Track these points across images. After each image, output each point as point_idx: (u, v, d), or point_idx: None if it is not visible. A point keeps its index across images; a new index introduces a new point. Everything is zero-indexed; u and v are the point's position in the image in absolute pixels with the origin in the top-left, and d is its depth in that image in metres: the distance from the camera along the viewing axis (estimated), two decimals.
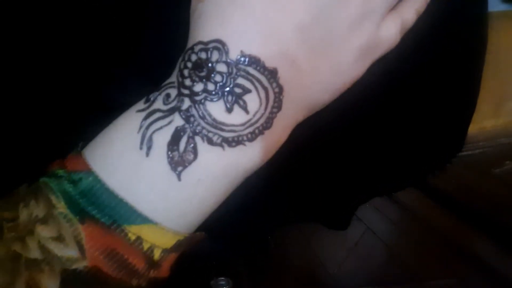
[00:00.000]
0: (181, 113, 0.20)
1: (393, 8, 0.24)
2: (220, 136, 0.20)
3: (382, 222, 0.76)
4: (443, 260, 0.69)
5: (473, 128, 0.41)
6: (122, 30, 0.28)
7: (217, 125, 0.20)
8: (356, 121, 0.34)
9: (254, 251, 0.63)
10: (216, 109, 0.20)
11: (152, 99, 0.22)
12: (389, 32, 0.24)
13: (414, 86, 0.34)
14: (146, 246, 0.21)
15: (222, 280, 0.59)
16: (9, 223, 0.21)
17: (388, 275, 0.70)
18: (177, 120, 0.21)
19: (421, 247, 0.72)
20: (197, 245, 0.24)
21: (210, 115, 0.20)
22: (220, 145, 0.21)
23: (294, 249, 0.73)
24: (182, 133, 0.20)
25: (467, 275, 0.66)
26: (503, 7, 0.58)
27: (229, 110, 0.20)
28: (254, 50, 0.20)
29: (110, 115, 0.23)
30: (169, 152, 0.20)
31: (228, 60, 0.20)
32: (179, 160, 0.20)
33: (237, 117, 0.21)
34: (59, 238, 0.20)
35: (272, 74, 0.21)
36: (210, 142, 0.20)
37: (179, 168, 0.21)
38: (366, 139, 0.36)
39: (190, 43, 0.22)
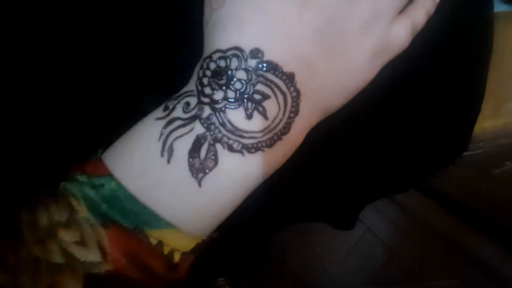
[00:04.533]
0: (202, 121, 0.21)
1: (403, 10, 0.24)
2: (240, 143, 0.21)
3: (382, 223, 0.76)
4: (443, 260, 0.70)
5: (474, 126, 0.41)
6: (138, 37, 0.28)
7: (237, 132, 0.21)
8: (362, 123, 0.34)
9: (254, 250, 0.63)
10: (236, 116, 0.21)
11: (171, 107, 0.22)
12: (400, 34, 0.24)
13: (420, 88, 0.34)
14: (166, 250, 0.22)
15: (222, 280, 0.59)
16: (29, 226, 0.21)
17: (388, 275, 0.70)
18: (198, 128, 0.21)
19: (421, 248, 0.73)
20: (211, 245, 0.25)
21: (230, 123, 0.20)
22: (240, 151, 0.21)
23: (294, 249, 0.73)
24: (203, 141, 0.21)
25: (467, 275, 0.66)
26: (503, 7, 0.58)
27: (249, 116, 0.21)
28: (272, 55, 0.21)
29: (128, 120, 0.23)
30: (190, 159, 0.21)
31: (247, 67, 0.21)
32: (200, 167, 0.21)
33: (256, 123, 0.21)
34: (82, 243, 0.21)
35: (290, 78, 0.21)
36: (231, 149, 0.21)
37: (200, 175, 0.21)
38: (373, 140, 0.36)
39: (207, 52, 0.22)
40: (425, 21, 0.25)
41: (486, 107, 0.61)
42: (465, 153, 0.42)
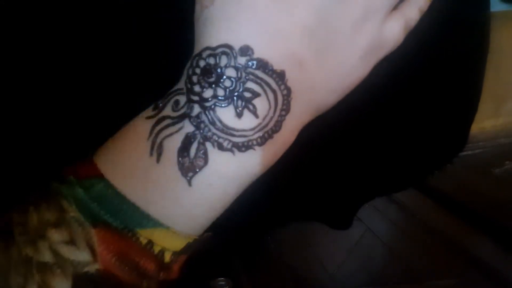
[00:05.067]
0: (191, 120, 0.21)
1: (396, 7, 0.24)
2: (231, 141, 0.21)
3: (382, 222, 0.76)
4: (443, 260, 0.69)
5: (473, 128, 0.41)
6: (138, 37, 0.28)
7: (227, 130, 0.20)
8: (358, 121, 0.34)
9: (254, 250, 0.63)
10: (226, 114, 0.20)
11: (160, 105, 0.22)
12: (393, 31, 0.24)
13: (416, 87, 0.34)
14: (157, 249, 0.22)
15: (222, 280, 0.59)
16: (19, 227, 0.21)
17: (388, 275, 0.70)
18: (187, 127, 0.21)
19: (421, 247, 0.72)
20: (205, 245, 0.25)
21: (220, 121, 0.20)
22: (231, 150, 0.21)
23: (294, 249, 0.73)
24: (192, 140, 0.21)
25: (467, 275, 0.66)
26: (503, 7, 0.58)
27: (239, 115, 0.20)
28: (262, 53, 0.21)
29: (120, 119, 0.23)
30: (180, 158, 0.21)
31: (237, 65, 0.20)
32: (189, 166, 0.21)
33: (247, 121, 0.21)
34: (71, 242, 0.21)
35: (280, 76, 0.21)
36: (221, 147, 0.21)
37: (190, 174, 0.21)
38: (369, 139, 0.36)
39: (197, 49, 0.22)
40: (419, 18, 0.25)
41: (486, 107, 0.61)
42: (465, 153, 0.42)
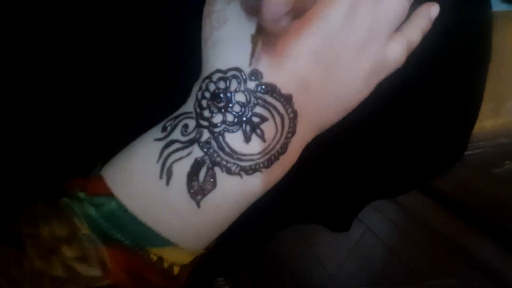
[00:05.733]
0: (201, 145, 0.21)
1: (398, 28, 0.24)
2: (239, 165, 0.21)
3: (382, 222, 0.76)
4: (443, 260, 0.70)
5: (473, 128, 0.41)
6: (138, 38, 0.28)
7: (235, 155, 0.21)
8: (360, 124, 0.34)
9: (254, 251, 0.63)
10: (234, 139, 0.21)
11: (169, 128, 0.22)
12: (395, 52, 0.24)
13: (418, 91, 0.34)
14: (166, 264, 0.22)
15: (222, 280, 0.59)
16: (31, 239, 0.21)
17: (388, 275, 0.70)
18: (197, 152, 0.21)
19: (421, 247, 0.73)
20: (210, 253, 0.25)
21: (229, 146, 0.21)
22: (238, 174, 0.21)
23: (294, 249, 0.73)
24: (201, 164, 0.21)
25: (467, 275, 0.66)
26: (503, 7, 0.58)
27: (247, 139, 0.21)
28: (270, 77, 0.21)
29: (119, 119, 0.23)
30: (189, 182, 0.21)
31: (246, 89, 0.21)
32: (198, 190, 0.21)
33: (254, 146, 0.21)
34: (83, 259, 0.21)
35: (287, 100, 0.21)
36: (229, 171, 0.21)
37: (199, 197, 0.21)
38: (371, 143, 0.36)
39: (206, 71, 0.22)
40: (420, 39, 0.26)
41: (486, 106, 0.61)
42: (465, 153, 0.42)
